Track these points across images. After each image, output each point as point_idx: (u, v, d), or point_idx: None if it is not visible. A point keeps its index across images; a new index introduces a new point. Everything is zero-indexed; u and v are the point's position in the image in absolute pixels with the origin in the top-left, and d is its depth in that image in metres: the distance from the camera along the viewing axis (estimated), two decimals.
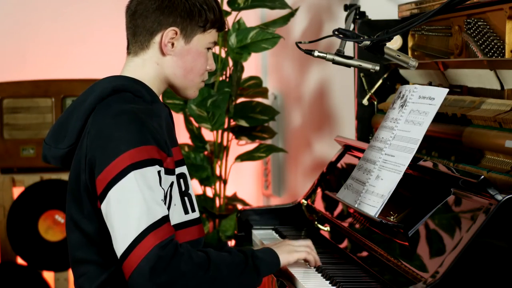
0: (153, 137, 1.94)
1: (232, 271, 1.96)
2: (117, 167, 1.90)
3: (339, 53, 2.29)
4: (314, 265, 2.17)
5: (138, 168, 1.90)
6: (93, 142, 1.96)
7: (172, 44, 2.07)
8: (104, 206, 1.92)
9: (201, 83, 2.14)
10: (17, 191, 4.41)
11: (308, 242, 2.18)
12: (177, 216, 2.06)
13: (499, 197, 1.78)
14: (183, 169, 2.11)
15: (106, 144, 1.93)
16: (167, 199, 2.02)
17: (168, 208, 2.02)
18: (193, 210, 2.12)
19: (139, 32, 2.07)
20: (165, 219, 1.91)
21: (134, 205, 1.88)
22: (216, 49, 3.78)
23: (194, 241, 2.09)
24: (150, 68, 2.09)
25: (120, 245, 1.88)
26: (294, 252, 2.11)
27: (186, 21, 2.06)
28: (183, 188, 2.09)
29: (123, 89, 2.04)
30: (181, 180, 2.09)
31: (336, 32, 2.23)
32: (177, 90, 2.13)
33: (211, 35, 2.11)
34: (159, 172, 1.94)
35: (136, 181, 1.89)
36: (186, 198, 2.09)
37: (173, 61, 2.08)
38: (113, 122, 1.95)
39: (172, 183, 2.03)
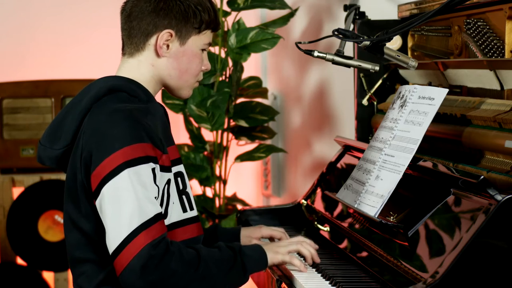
0: (148, 135, 1.95)
1: (221, 269, 1.97)
2: (111, 164, 1.91)
3: (339, 53, 2.29)
4: (310, 262, 2.17)
5: (132, 166, 1.91)
6: (88, 140, 1.97)
7: (167, 46, 2.07)
8: (98, 202, 1.93)
9: (196, 83, 2.16)
10: (17, 191, 4.41)
11: (300, 238, 2.17)
12: (176, 214, 2.07)
13: (499, 197, 1.78)
14: (180, 168, 2.12)
15: (101, 141, 1.94)
16: (165, 197, 2.02)
17: (167, 206, 2.03)
18: (191, 209, 2.12)
19: (134, 34, 2.08)
20: (158, 217, 1.92)
21: (127, 203, 1.89)
22: (216, 49, 3.78)
23: (192, 239, 2.10)
24: (145, 69, 2.09)
25: (112, 242, 1.89)
26: (279, 254, 2.09)
27: (181, 23, 2.06)
28: (181, 187, 2.10)
29: (119, 89, 2.05)
30: (179, 179, 2.10)
31: (335, 32, 2.23)
32: (172, 90, 2.15)
33: (206, 36, 2.11)
34: (153, 169, 1.95)
35: (129, 178, 1.90)
36: (184, 197, 2.10)
37: (168, 63, 2.09)
38: (107, 119, 1.96)
39: (169, 180, 2.03)
